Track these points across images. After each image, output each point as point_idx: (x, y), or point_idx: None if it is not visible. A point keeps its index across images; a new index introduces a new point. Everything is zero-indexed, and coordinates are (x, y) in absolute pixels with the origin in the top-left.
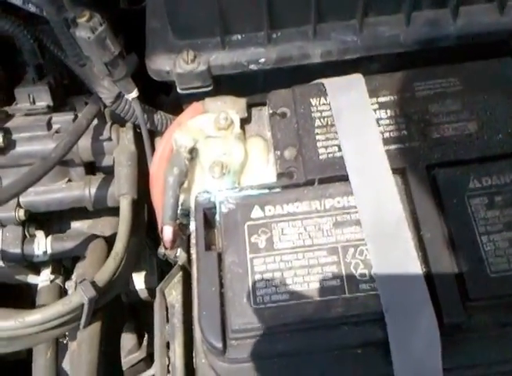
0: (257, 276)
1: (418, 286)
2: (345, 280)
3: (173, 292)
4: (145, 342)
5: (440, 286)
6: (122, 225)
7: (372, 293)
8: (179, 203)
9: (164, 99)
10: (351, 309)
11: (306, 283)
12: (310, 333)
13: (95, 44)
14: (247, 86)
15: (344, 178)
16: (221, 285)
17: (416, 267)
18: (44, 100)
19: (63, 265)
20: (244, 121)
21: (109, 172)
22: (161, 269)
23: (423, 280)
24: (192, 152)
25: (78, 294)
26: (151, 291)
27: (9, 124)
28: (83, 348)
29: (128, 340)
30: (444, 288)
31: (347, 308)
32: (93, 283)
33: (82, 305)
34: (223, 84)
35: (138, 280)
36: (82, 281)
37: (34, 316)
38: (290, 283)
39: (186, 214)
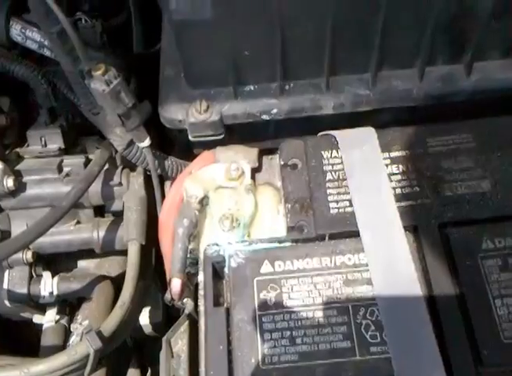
0: (266, 335)
1: (430, 350)
2: (356, 341)
3: (179, 342)
4: None
5: (452, 350)
6: (130, 271)
7: (383, 356)
8: (188, 252)
9: (175, 133)
10: (362, 372)
11: (316, 344)
12: None
13: (110, 96)
14: (258, 134)
15: (355, 235)
16: (229, 343)
17: (428, 331)
18: (55, 143)
19: (69, 303)
20: (255, 170)
21: (118, 215)
22: (166, 305)
23: (436, 344)
24: (203, 202)
25: (84, 345)
26: (156, 326)
27: (19, 167)
28: None
29: (131, 374)
30: (456, 353)
31: (357, 372)
32: (99, 334)
33: (88, 355)
34: (235, 131)
35: (143, 316)
36: (88, 332)
37: (39, 367)
38: (300, 344)
39: (195, 263)
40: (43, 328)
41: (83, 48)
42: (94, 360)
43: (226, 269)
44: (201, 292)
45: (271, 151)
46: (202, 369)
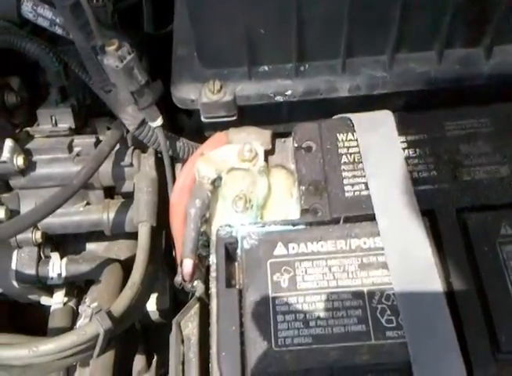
0: (280, 317)
1: (447, 336)
2: (371, 325)
3: (189, 325)
4: (154, 363)
5: (470, 336)
6: (140, 253)
7: (399, 341)
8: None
9: (184, 119)
10: (377, 357)
11: (330, 326)
12: None
13: (123, 73)
14: (272, 116)
15: (371, 218)
16: (242, 324)
17: (445, 316)
18: (66, 122)
19: (77, 285)
20: (268, 153)
21: (128, 197)
22: (173, 291)
23: (453, 330)
24: (215, 183)
25: (94, 325)
26: (163, 313)
27: (29, 146)
28: None
29: (137, 361)
30: (474, 339)
31: (372, 355)
32: (109, 314)
33: (97, 335)
34: (247, 113)
35: (150, 302)
36: (98, 311)
37: (48, 346)
38: (314, 326)
39: (206, 245)
40: (51, 310)
41: (97, 22)
42: (103, 341)
43: (239, 251)
44: (213, 274)
45: (284, 134)
46: (213, 350)
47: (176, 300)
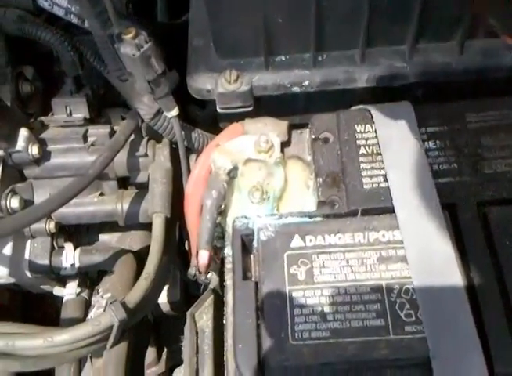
0: (297, 310)
1: (468, 331)
2: (390, 320)
3: (203, 317)
4: (164, 356)
5: (491, 332)
6: (154, 244)
7: (418, 336)
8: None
9: (196, 111)
10: (396, 352)
11: (348, 320)
12: (351, 375)
13: (140, 61)
14: (288, 107)
15: (390, 211)
16: (258, 317)
17: (465, 311)
18: (81, 112)
19: (89, 276)
20: (284, 144)
21: (142, 187)
22: (184, 283)
23: (474, 326)
24: (231, 174)
25: (108, 316)
26: (173, 305)
27: (44, 135)
28: (109, 370)
29: (147, 353)
30: (495, 335)
31: (391, 350)
32: (124, 305)
33: (111, 326)
34: (263, 104)
35: (161, 294)
36: (113, 302)
37: (62, 336)
38: (331, 320)
39: (221, 236)
40: (64, 300)
41: (114, 10)
42: (117, 332)
43: (255, 243)
44: (228, 266)
45: (300, 125)
46: (229, 342)
47: (187, 292)
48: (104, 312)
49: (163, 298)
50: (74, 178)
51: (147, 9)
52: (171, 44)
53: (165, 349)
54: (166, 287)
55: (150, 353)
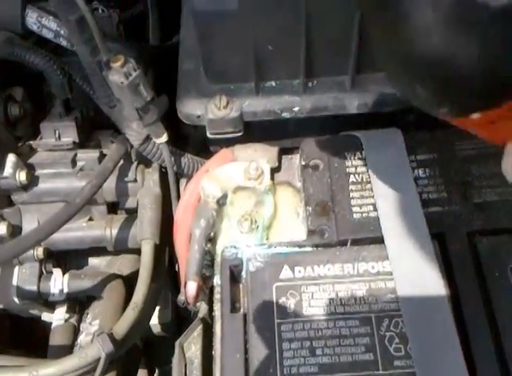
0: (285, 344)
1: (457, 366)
2: (379, 354)
3: (192, 347)
4: None
5: (480, 366)
6: (143, 272)
7: (407, 371)
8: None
9: (191, 130)
10: None
11: (337, 355)
12: None
13: (128, 89)
14: (279, 131)
15: (379, 241)
16: (246, 351)
17: (454, 345)
18: (69, 136)
19: (78, 301)
20: (274, 170)
21: (132, 212)
22: (176, 304)
23: (463, 360)
24: (220, 202)
25: (95, 348)
26: (164, 326)
27: (32, 160)
28: None
29: (138, 374)
30: (484, 369)
31: None
32: (111, 336)
33: (98, 358)
34: (254, 128)
35: (153, 316)
36: (100, 334)
37: (48, 370)
38: (320, 354)
39: (210, 265)
40: (52, 326)
41: (102, 38)
42: (104, 364)
43: (244, 273)
44: (217, 296)
45: (291, 150)
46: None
47: (178, 314)
48: (91, 344)
49: (154, 320)
50: (62, 207)
51: (139, 30)
52: (163, 66)
53: (156, 371)
54: (157, 309)
55: (141, 375)
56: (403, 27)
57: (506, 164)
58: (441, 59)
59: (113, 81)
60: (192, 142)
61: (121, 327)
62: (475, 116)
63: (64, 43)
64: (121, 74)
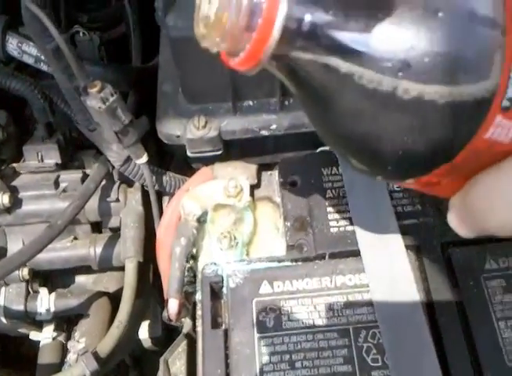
0: (265, 359)
1: (432, 374)
2: (357, 365)
3: (177, 362)
4: None
5: (456, 374)
6: (126, 290)
7: None
8: (185, 270)
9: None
10: None
11: (316, 367)
12: None
13: (106, 114)
14: (258, 148)
15: (356, 254)
16: (227, 365)
17: (430, 354)
18: (52, 158)
19: (67, 319)
20: (254, 187)
21: (116, 231)
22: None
23: (439, 369)
24: (200, 219)
25: (80, 367)
26: (155, 340)
27: (15, 182)
28: None
29: None
30: None
31: None
32: (95, 355)
33: None
34: (234, 146)
35: (142, 330)
36: (84, 353)
37: None
38: (299, 367)
39: (193, 281)
40: (40, 345)
41: (79, 65)
42: None
43: (224, 289)
44: (199, 312)
45: (270, 166)
46: None
47: (168, 327)
48: (75, 364)
49: (144, 334)
50: (44, 229)
51: (121, 52)
52: (145, 86)
53: None
54: (147, 323)
55: None
56: (330, 112)
57: (451, 218)
58: (365, 141)
59: (91, 106)
60: (177, 159)
61: (106, 345)
62: (409, 181)
63: (45, 68)
64: (98, 99)
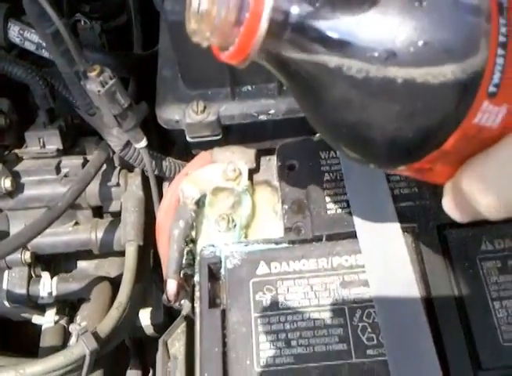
0: (261, 337)
1: (427, 353)
2: (352, 344)
3: (176, 344)
4: None
5: (450, 353)
6: (127, 273)
7: (379, 359)
8: (185, 253)
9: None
10: (358, 375)
11: (311, 346)
12: None
13: (105, 97)
14: (257, 134)
15: (353, 236)
16: (225, 344)
17: (425, 333)
18: (54, 144)
19: (69, 303)
20: (253, 171)
21: (117, 216)
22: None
23: (433, 347)
24: (199, 203)
25: (80, 346)
26: (157, 327)
27: (18, 168)
28: None
29: (132, 375)
30: (455, 356)
31: (353, 374)
32: (95, 335)
33: (84, 356)
34: (233, 131)
35: (144, 316)
36: (84, 333)
37: (35, 368)
38: (295, 346)
39: (192, 264)
40: (42, 329)
41: (77, 49)
42: (90, 361)
43: (222, 271)
44: (197, 294)
45: (269, 151)
46: (197, 371)
47: (170, 314)
48: (76, 343)
49: (146, 321)
50: (44, 212)
51: (123, 41)
52: (146, 73)
53: (151, 371)
54: (149, 310)
55: (136, 375)
56: (320, 102)
57: (446, 203)
58: (356, 130)
59: (91, 89)
60: (178, 145)
61: (105, 326)
62: (401, 168)
63: (46, 54)
64: (98, 82)
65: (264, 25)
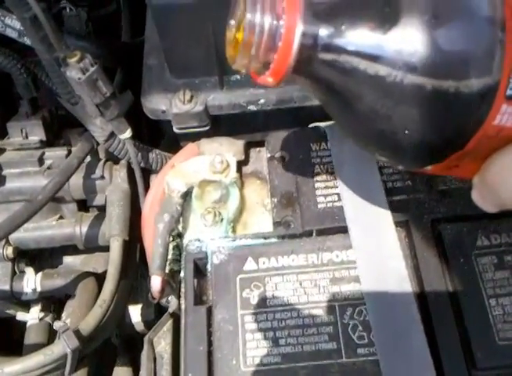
0: (248, 336)
1: (420, 352)
2: (342, 343)
3: (162, 342)
4: None
5: (444, 352)
6: (111, 268)
7: (370, 358)
8: (170, 248)
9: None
10: (348, 375)
11: (300, 345)
12: None
13: (86, 85)
14: (247, 125)
15: (344, 230)
16: (210, 343)
17: (418, 332)
18: (37, 135)
19: (56, 300)
20: (241, 163)
21: (102, 209)
22: (158, 301)
23: (427, 346)
24: (186, 196)
25: (60, 345)
26: (148, 324)
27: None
28: None
29: (123, 373)
30: (448, 355)
31: (343, 374)
32: (77, 333)
33: (65, 355)
34: (222, 122)
35: (135, 313)
36: (65, 331)
37: (14, 367)
38: (283, 345)
39: (178, 259)
40: (27, 326)
41: (56, 34)
42: (73, 360)
43: (209, 266)
44: (183, 290)
45: (259, 143)
46: (182, 370)
47: (161, 311)
48: (56, 341)
49: (136, 318)
50: (23, 205)
51: (112, 29)
52: (133, 62)
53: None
54: (139, 306)
55: (127, 373)
56: (353, 112)
57: (474, 196)
58: (386, 135)
59: (71, 76)
60: (167, 137)
61: (88, 324)
62: (428, 168)
63: (28, 42)
64: (78, 69)
65: (295, 51)
